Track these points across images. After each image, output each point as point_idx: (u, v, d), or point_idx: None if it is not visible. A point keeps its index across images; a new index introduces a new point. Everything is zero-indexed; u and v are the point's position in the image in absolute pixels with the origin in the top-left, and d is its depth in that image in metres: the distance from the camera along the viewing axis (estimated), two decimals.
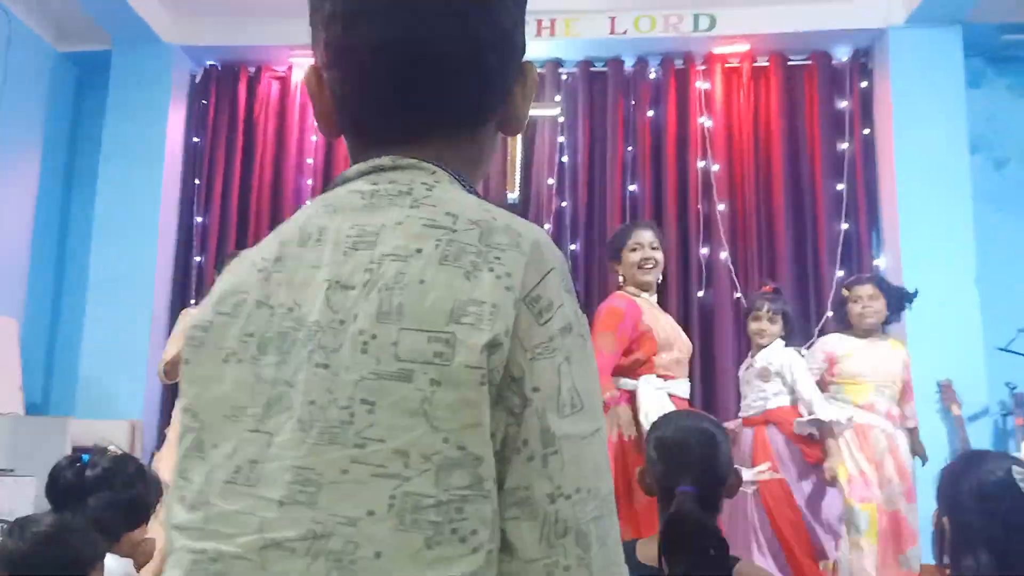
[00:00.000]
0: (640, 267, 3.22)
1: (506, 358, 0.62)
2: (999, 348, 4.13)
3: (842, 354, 3.69)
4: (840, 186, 4.78)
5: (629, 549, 1.54)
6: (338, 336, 0.63)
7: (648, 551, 1.51)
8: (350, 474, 0.61)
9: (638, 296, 3.22)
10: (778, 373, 3.42)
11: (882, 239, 4.74)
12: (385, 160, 0.72)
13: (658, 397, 3.00)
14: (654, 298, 3.29)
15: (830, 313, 4.40)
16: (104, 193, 4.86)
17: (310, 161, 5.16)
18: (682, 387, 3.19)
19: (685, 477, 1.50)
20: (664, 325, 3.21)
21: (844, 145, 4.83)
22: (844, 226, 4.72)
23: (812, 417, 3.25)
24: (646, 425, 2.87)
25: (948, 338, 4.32)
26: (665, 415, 1.73)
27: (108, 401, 4.56)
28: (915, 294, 3.80)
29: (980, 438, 4.27)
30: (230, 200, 5.13)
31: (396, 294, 0.63)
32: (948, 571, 1.66)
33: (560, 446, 0.62)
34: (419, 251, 0.64)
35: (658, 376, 3.10)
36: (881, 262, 4.70)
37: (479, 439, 0.61)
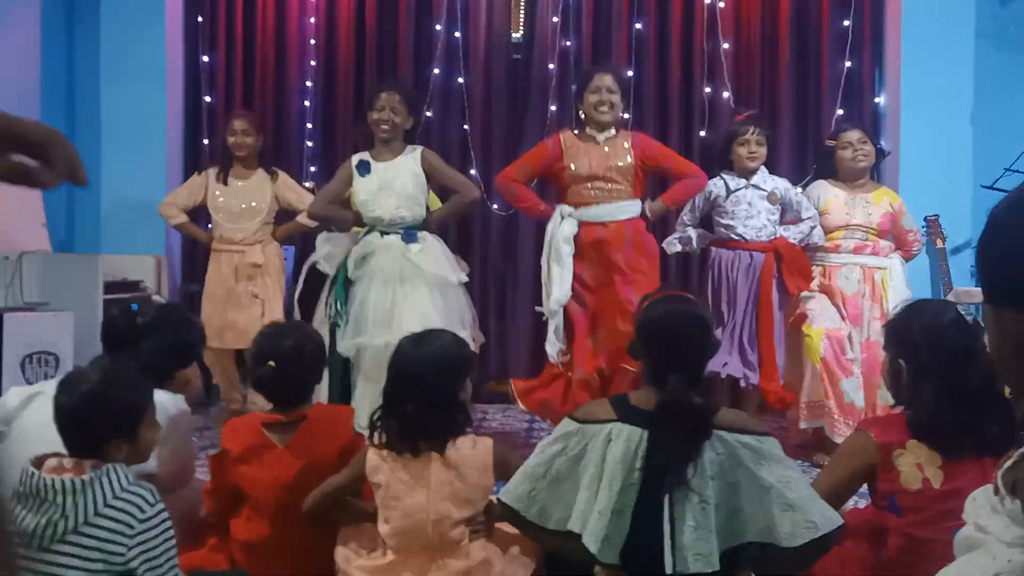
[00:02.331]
0: (596, 109, 3.53)
1: None
2: (984, 186, 4.26)
3: (821, 207, 3.85)
4: (846, 22, 4.75)
5: (624, 399, 1.78)
6: None
7: (641, 399, 1.75)
8: None
9: (585, 138, 3.57)
10: (782, 199, 3.70)
11: (884, 77, 4.77)
12: None
13: (564, 223, 3.50)
14: (610, 133, 3.56)
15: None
16: (108, 35, 4.85)
17: None
18: (594, 212, 3.52)
19: (676, 363, 1.70)
20: (592, 160, 3.52)
21: None
22: (847, 64, 4.74)
23: (804, 238, 3.72)
24: (551, 241, 3.49)
25: (939, 175, 4.48)
26: (654, 301, 1.85)
27: (131, 238, 4.78)
28: (888, 153, 4.00)
29: (961, 269, 4.52)
30: (235, 37, 5.11)
31: None
32: (903, 409, 1.91)
33: None
34: None
35: (570, 204, 3.54)
36: (881, 100, 4.76)
37: None
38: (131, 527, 1.60)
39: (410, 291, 3.41)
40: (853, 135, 3.84)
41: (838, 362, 3.59)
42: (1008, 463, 0.82)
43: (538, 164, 3.66)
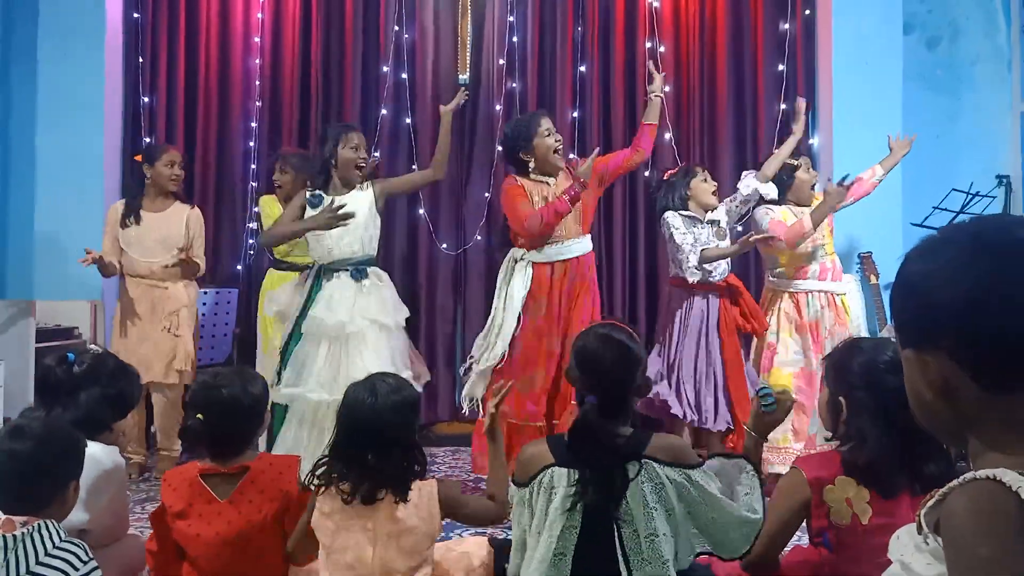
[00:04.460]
0: (555, 151, 3.50)
1: None
2: (913, 224, 4.42)
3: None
4: (781, 67, 4.92)
5: (560, 439, 1.79)
6: None
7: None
8: None
9: (537, 183, 3.51)
10: (725, 229, 3.85)
11: (817, 119, 4.93)
12: None
13: (516, 277, 3.50)
14: (555, 179, 3.54)
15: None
16: (45, 74, 4.76)
17: (257, 40, 5.09)
18: (547, 252, 3.50)
19: (594, 388, 1.72)
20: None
21: (786, 26, 4.94)
22: (782, 107, 4.89)
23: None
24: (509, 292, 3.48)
25: (871, 213, 4.60)
26: (588, 328, 1.89)
27: (66, 283, 4.64)
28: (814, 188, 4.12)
29: None
30: (176, 79, 5.06)
31: None
32: (838, 446, 1.94)
33: None
34: None
35: (520, 247, 3.53)
36: (815, 141, 4.92)
37: None
38: None
39: (354, 348, 3.34)
40: (806, 159, 4.07)
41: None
42: (931, 502, 0.84)
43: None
